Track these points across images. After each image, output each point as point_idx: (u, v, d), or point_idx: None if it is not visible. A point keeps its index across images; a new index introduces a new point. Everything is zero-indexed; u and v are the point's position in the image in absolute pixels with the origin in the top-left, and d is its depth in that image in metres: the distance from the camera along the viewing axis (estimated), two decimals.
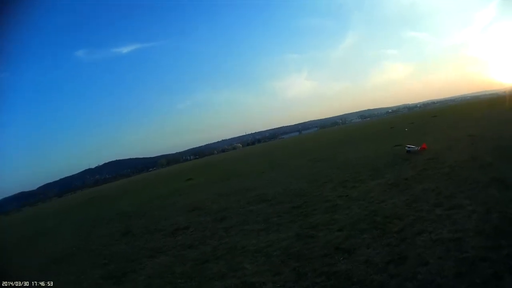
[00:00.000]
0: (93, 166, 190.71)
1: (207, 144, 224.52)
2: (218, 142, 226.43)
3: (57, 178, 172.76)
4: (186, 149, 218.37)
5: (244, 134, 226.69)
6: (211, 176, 32.82)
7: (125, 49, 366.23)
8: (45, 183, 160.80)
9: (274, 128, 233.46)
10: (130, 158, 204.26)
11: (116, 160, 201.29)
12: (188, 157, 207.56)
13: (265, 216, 10.83)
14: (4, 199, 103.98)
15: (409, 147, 17.75)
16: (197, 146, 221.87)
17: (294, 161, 28.14)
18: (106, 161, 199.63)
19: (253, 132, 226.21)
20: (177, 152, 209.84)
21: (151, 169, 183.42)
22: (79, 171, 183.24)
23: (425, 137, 22.65)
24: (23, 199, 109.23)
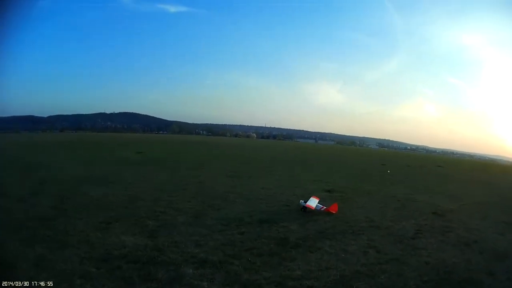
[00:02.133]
0: (108, 112, 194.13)
1: (224, 124, 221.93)
2: (235, 125, 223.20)
3: (70, 113, 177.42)
4: (203, 122, 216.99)
5: (264, 126, 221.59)
6: (159, 155, 31.58)
7: (172, 8, 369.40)
8: (57, 114, 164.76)
9: (293, 129, 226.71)
10: (147, 115, 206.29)
11: (133, 112, 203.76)
12: (201, 131, 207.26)
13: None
14: (13, 117, 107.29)
15: (305, 203, 11.68)
16: (215, 123, 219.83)
17: (225, 166, 25.71)
18: (122, 111, 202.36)
19: (272, 126, 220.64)
20: (193, 123, 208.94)
21: (161, 132, 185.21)
22: (93, 112, 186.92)
23: (385, 190, 18.53)
24: (31, 122, 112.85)
